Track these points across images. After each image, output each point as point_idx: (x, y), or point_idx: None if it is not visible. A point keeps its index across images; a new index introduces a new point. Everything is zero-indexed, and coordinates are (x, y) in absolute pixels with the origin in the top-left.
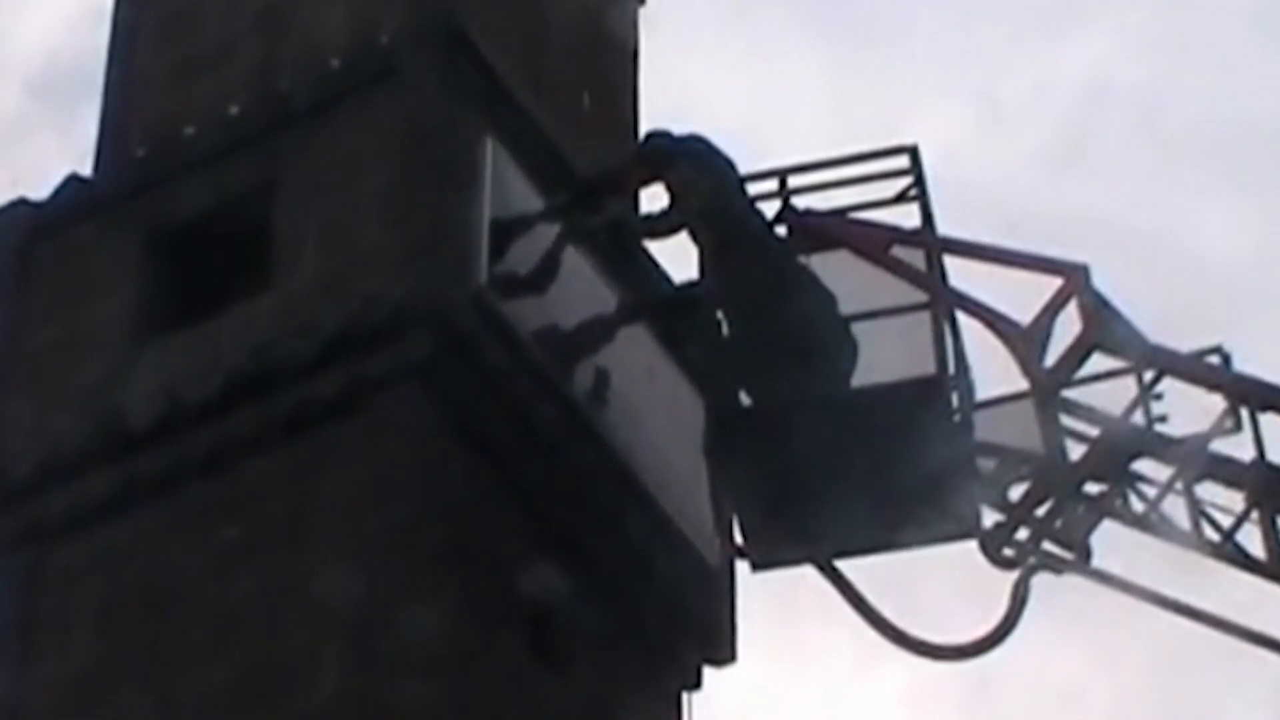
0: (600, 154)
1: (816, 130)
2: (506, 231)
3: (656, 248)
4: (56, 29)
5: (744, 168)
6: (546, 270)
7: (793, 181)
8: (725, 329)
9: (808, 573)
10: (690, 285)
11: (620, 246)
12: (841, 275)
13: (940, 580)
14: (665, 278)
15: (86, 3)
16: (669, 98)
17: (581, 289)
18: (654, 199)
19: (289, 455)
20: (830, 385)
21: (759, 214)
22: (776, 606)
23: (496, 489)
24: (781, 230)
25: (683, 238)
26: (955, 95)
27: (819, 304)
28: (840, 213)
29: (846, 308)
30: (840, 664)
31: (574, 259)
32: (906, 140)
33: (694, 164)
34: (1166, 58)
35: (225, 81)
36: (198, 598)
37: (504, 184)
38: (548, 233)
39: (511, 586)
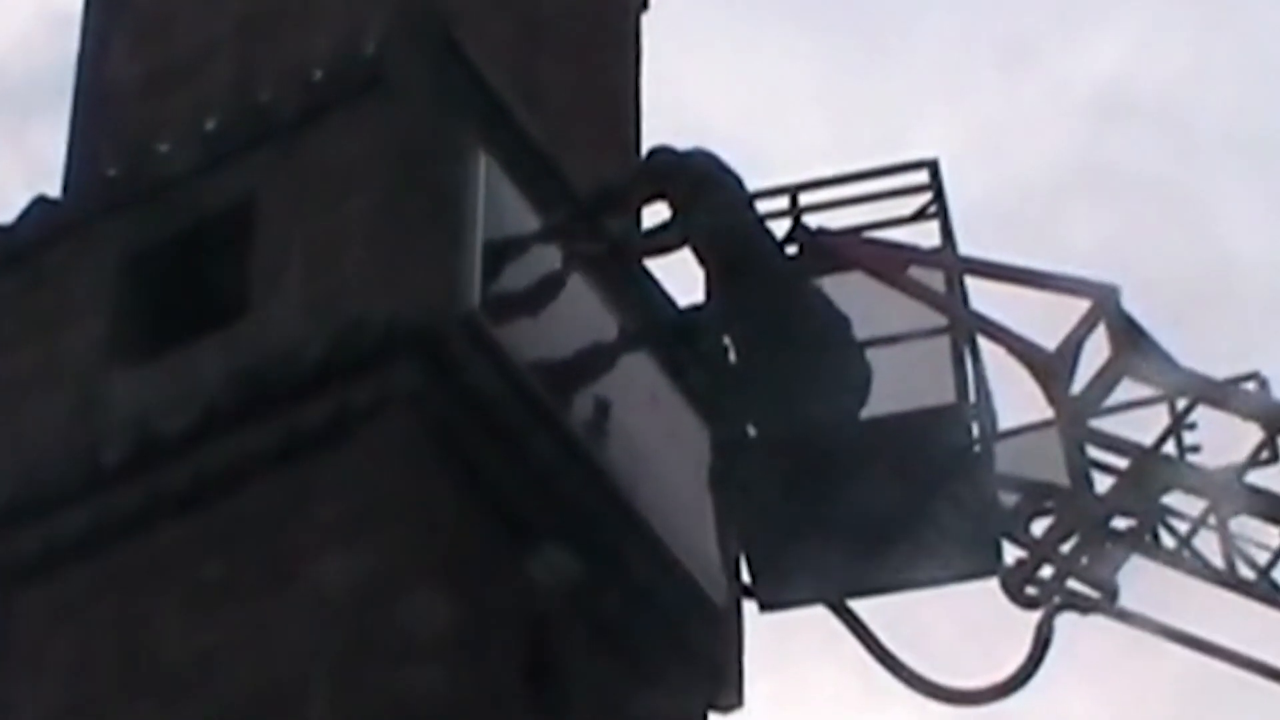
0: (601, 170)
1: (818, 140)
2: (500, 252)
3: (660, 270)
4: (6, 37)
5: (748, 182)
6: (543, 293)
7: (804, 198)
8: (732, 355)
9: (811, 611)
10: (695, 309)
11: (621, 268)
12: (856, 298)
13: (953, 619)
14: (669, 301)
15: (43, 9)
16: (666, 107)
17: (580, 313)
18: (657, 216)
19: (272, 489)
20: (843, 415)
21: (768, 233)
22: (777, 646)
23: (490, 523)
24: (792, 250)
25: (688, 259)
26: (964, 101)
27: (831, 329)
28: (855, 231)
29: (861, 332)
30: (846, 707)
31: (572, 281)
32: (913, 150)
33: (700, 180)
34: (1191, 56)
35: (202, 93)
36: (176, 641)
37: (498, 201)
38: (544, 253)
39: (507, 621)
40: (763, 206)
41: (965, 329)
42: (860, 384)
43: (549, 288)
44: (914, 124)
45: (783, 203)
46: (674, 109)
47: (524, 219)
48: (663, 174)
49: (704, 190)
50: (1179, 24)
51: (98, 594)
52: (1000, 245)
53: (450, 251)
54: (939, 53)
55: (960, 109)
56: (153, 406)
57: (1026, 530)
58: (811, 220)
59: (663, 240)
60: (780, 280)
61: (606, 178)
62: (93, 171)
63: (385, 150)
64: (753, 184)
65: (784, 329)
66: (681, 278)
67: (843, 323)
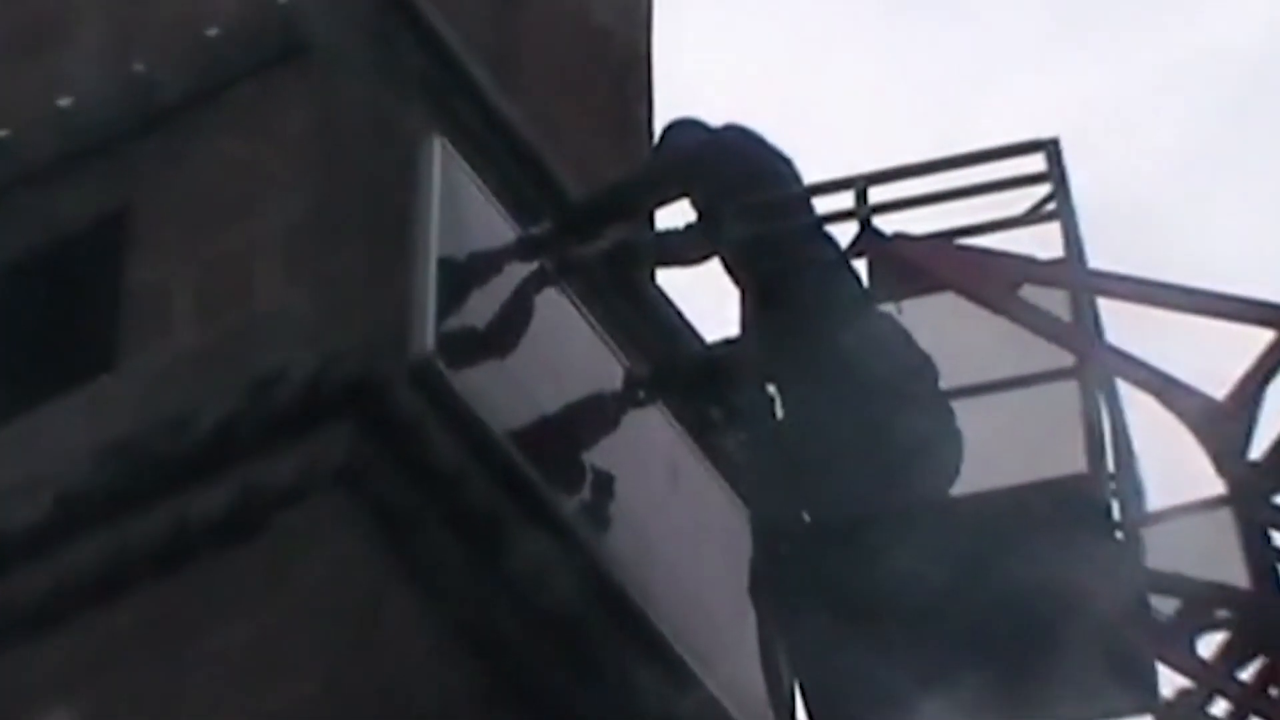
0: (599, 161)
1: (880, 123)
2: (463, 274)
3: (680, 291)
4: None
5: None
6: (521, 329)
7: (875, 194)
8: (779, 410)
9: None
10: (728, 345)
11: (628, 291)
12: (946, 329)
13: None
14: (693, 334)
15: None
16: (683, 81)
17: (572, 354)
18: (676, 218)
19: (149, 605)
20: (929, 494)
21: (827, 241)
22: None
23: (450, 642)
24: (860, 265)
25: (718, 276)
26: (1054, 78)
27: (911, 374)
28: (944, 237)
29: (953, 377)
30: None
31: (560, 310)
32: (981, 136)
33: (734, 169)
34: None
35: (61, 64)
36: None
37: (460, 206)
38: (522, 274)
39: None
40: (820, 206)
41: (1100, 371)
42: (951, 450)
43: (529, 321)
44: (989, 102)
45: (846, 200)
46: (693, 84)
47: (495, 228)
48: (683, 162)
49: (739, 183)
50: None
51: None
52: (1121, 256)
53: (395, 275)
54: (1021, 11)
55: (1051, 83)
56: None
57: (1192, 650)
58: (885, 223)
59: (684, 251)
60: (843, 306)
61: (607, 171)
62: None
63: (308, 139)
64: (805, 172)
65: (847, 374)
66: (709, 302)
67: (925, 365)
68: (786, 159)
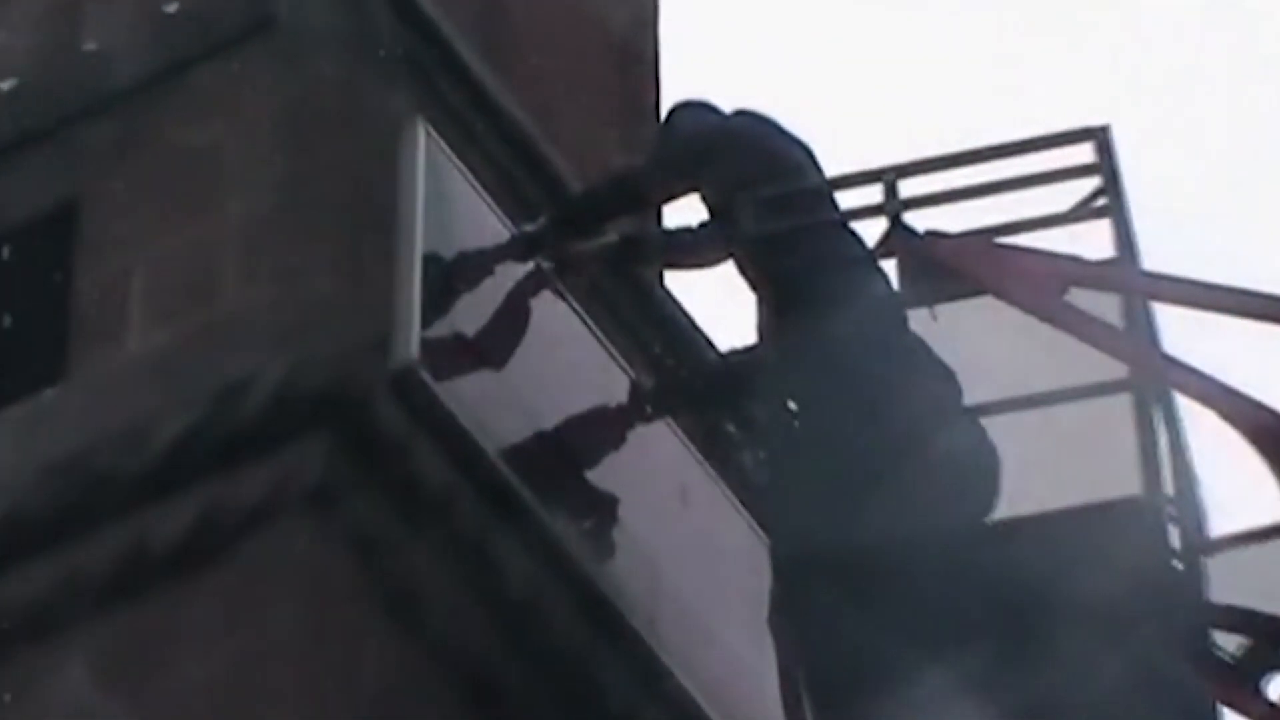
0: (602, 149)
1: (892, 114)
2: (451, 273)
3: (690, 294)
4: None
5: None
6: (516, 334)
7: (906, 188)
8: (798, 425)
9: None
10: (744, 354)
11: (632, 293)
12: (985, 337)
13: None
14: (705, 343)
15: None
16: (695, 63)
17: (571, 362)
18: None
19: (101, 640)
20: (966, 519)
21: (853, 240)
22: None
23: (437, 679)
24: (890, 265)
25: (732, 275)
26: (1097, 64)
27: (943, 388)
28: (982, 235)
29: (991, 390)
30: None
31: (559, 314)
32: (1024, 123)
33: (749, 158)
34: None
35: (1, 42)
36: None
37: (447, 198)
38: (516, 274)
39: None
40: (844, 201)
41: (1156, 383)
42: (990, 471)
43: (524, 326)
44: (1026, 90)
45: (874, 194)
46: (705, 65)
47: (485, 224)
48: (693, 151)
49: (756, 175)
50: None
51: None
52: (1171, 258)
53: (375, 274)
54: None
55: (1093, 70)
56: None
57: (1258, 692)
58: (917, 220)
59: (697, 252)
60: (869, 312)
61: (610, 161)
62: None
63: (275, 124)
64: (827, 163)
65: (875, 386)
66: (723, 307)
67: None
68: (806, 148)
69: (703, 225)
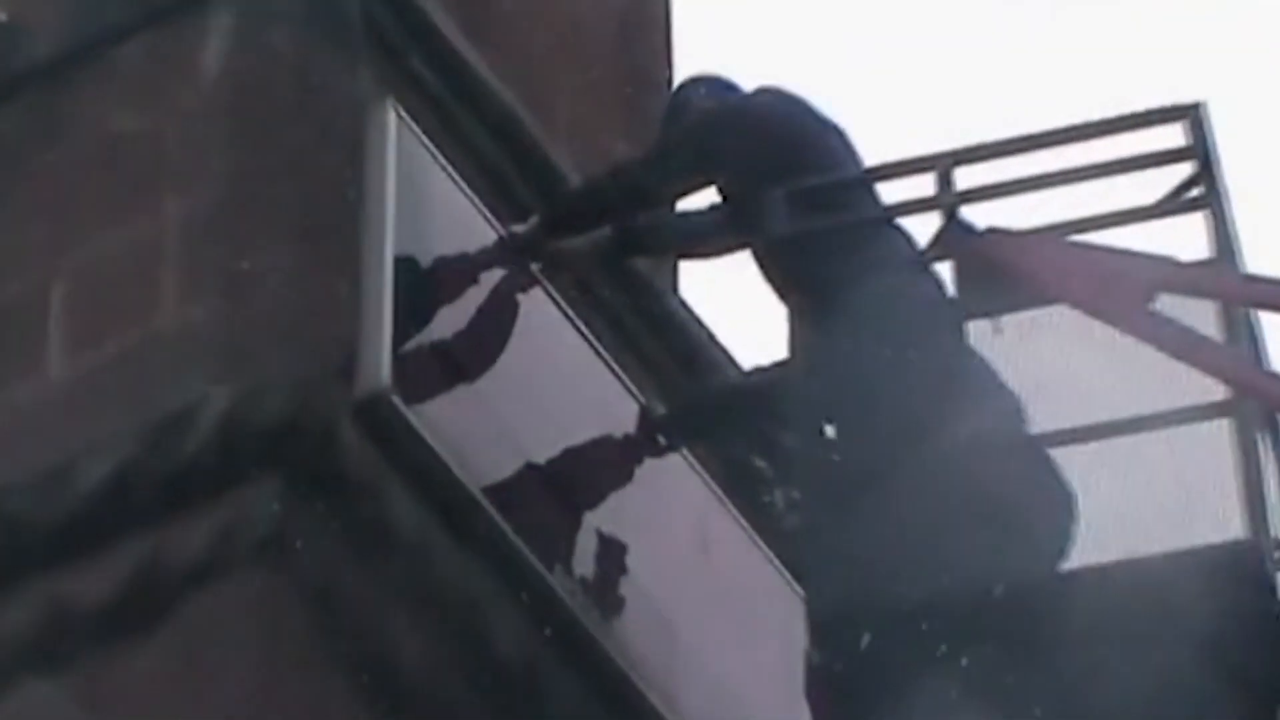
0: (604, 136)
1: (942, 91)
2: (427, 281)
3: (705, 296)
4: None
5: (863, 149)
6: (502, 352)
7: (962, 177)
8: (837, 458)
9: None
10: (771, 373)
11: (640, 300)
12: (1057, 354)
13: None
14: (724, 358)
15: None
16: (703, 41)
17: (570, 385)
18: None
19: (21, 713)
20: (1035, 567)
21: (901, 239)
22: None
23: None
24: (945, 269)
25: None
26: (1198, 31)
27: (1009, 414)
28: (1054, 232)
29: (1065, 416)
30: None
31: (554, 328)
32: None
33: (776, 144)
34: None
35: None
36: None
37: (421, 194)
38: (503, 282)
39: None
40: (891, 193)
41: (1262, 407)
42: (1062, 511)
43: (514, 343)
44: (1104, 56)
45: (926, 185)
46: (721, 39)
47: (467, 224)
48: (711, 136)
49: (785, 163)
50: None
51: None
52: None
53: (337, 283)
54: None
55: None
56: None
57: None
58: (976, 215)
59: (709, 241)
60: (918, 326)
61: (613, 149)
62: None
63: (219, 108)
64: (870, 151)
65: (929, 411)
66: (745, 315)
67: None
68: (841, 132)
69: (716, 210)
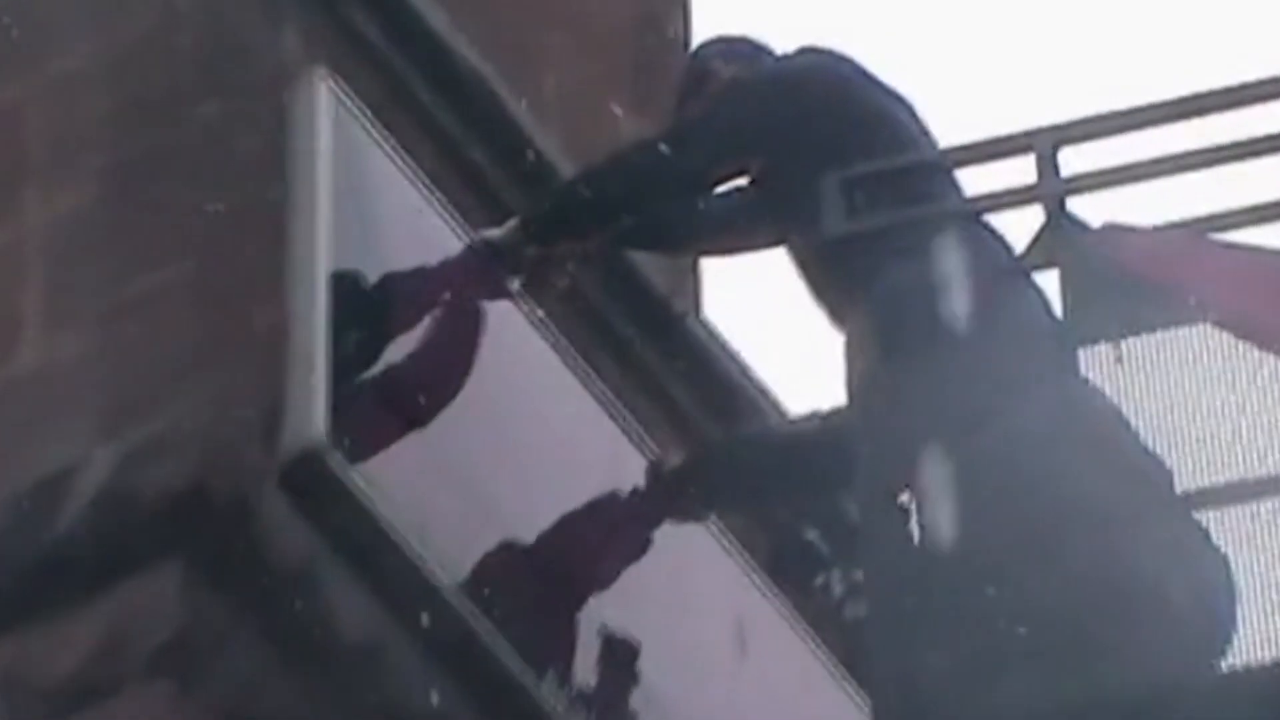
0: (600, 111)
1: (1020, 55)
2: (374, 299)
3: (734, 317)
4: None
5: (933, 125)
6: (473, 391)
7: (1070, 158)
8: (915, 532)
9: None
10: (826, 419)
11: (651, 323)
12: (1199, 387)
13: None
14: (762, 396)
15: None
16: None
17: (560, 432)
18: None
19: None
20: (1181, 668)
21: (992, 241)
22: None
23: None
24: (1051, 276)
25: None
26: None
27: (1139, 466)
28: (1191, 230)
29: (1212, 469)
30: None
31: (537, 359)
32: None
33: (829, 120)
34: None
35: None
36: None
37: (364, 188)
38: (473, 301)
39: None
40: (976, 181)
41: None
42: (1219, 595)
43: (488, 380)
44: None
45: (1024, 171)
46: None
47: (423, 227)
48: (739, 116)
49: (832, 144)
50: None
51: None
52: None
53: (256, 302)
54: None
55: None
56: None
57: None
58: (1083, 207)
59: (739, 233)
60: (1017, 353)
61: (617, 130)
62: None
63: (103, 79)
64: (942, 128)
65: (1034, 471)
66: (787, 341)
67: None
68: (907, 103)
69: (739, 191)
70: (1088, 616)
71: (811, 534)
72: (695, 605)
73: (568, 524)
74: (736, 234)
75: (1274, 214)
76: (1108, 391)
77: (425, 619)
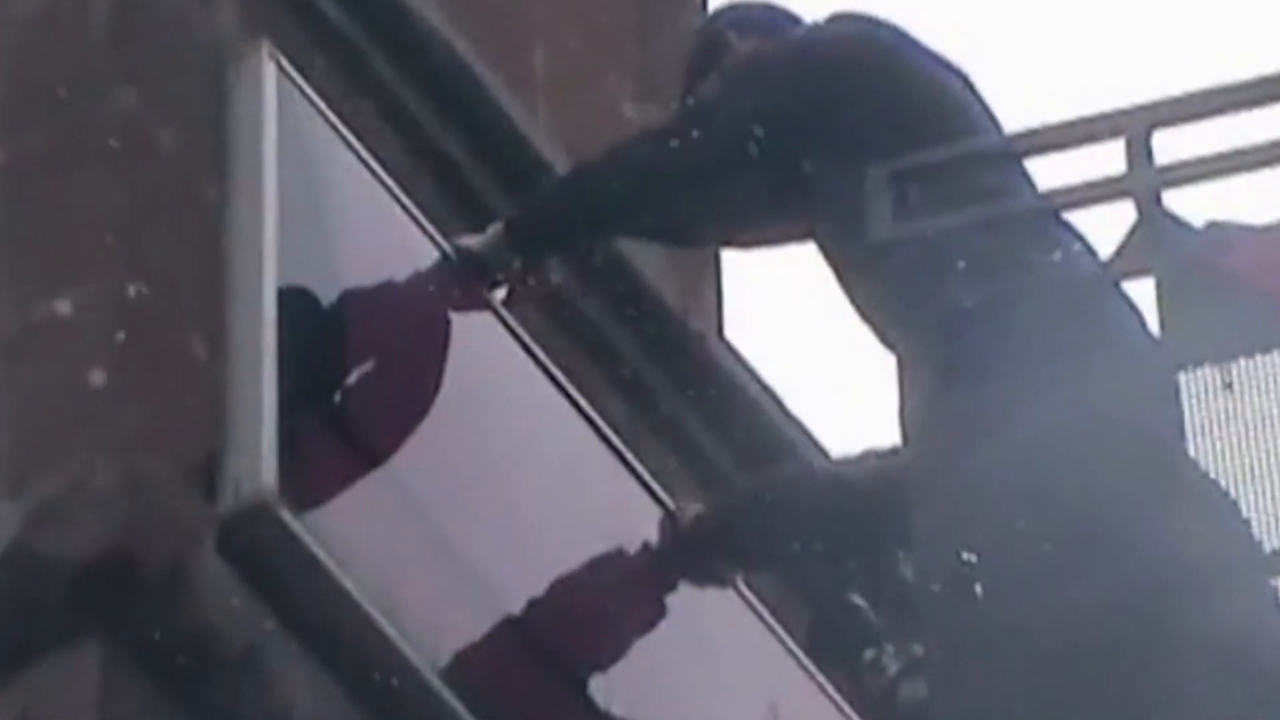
0: (600, 95)
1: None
2: (329, 323)
3: (758, 338)
4: None
5: (1007, 110)
6: (450, 429)
7: (1166, 143)
8: (980, 595)
9: None
10: (875, 459)
11: (663, 346)
12: None
13: None
14: (798, 433)
15: None
16: None
17: (552, 476)
18: None
19: None
20: None
21: (1073, 242)
22: None
23: None
24: (1145, 285)
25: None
26: None
27: (1231, 529)
28: None
29: None
30: None
31: (526, 388)
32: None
33: (859, 97)
34: None
35: None
36: None
37: (318, 184)
38: (449, 319)
39: None
40: (1051, 173)
41: None
42: None
43: (470, 414)
44: None
45: (1112, 158)
46: None
47: (390, 232)
48: (757, 92)
49: (878, 128)
50: None
51: None
52: None
53: (191, 330)
54: None
55: None
56: None
57: None
58: (1181, 202)
59: (752, 225)
60: (1109, 380)
61: (619, 117)
62: None
63: (17, 57)
64: (1009, 109)
65: (1129, 524)
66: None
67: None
68: (967, 79)
69: (765, 177)
70: (1202, 697)
71: (859, 600)
72: (720, 684)
73: (567, 588)
74: (757, 231)
75: None
76: (1213, 424)
77: (398, 709)
